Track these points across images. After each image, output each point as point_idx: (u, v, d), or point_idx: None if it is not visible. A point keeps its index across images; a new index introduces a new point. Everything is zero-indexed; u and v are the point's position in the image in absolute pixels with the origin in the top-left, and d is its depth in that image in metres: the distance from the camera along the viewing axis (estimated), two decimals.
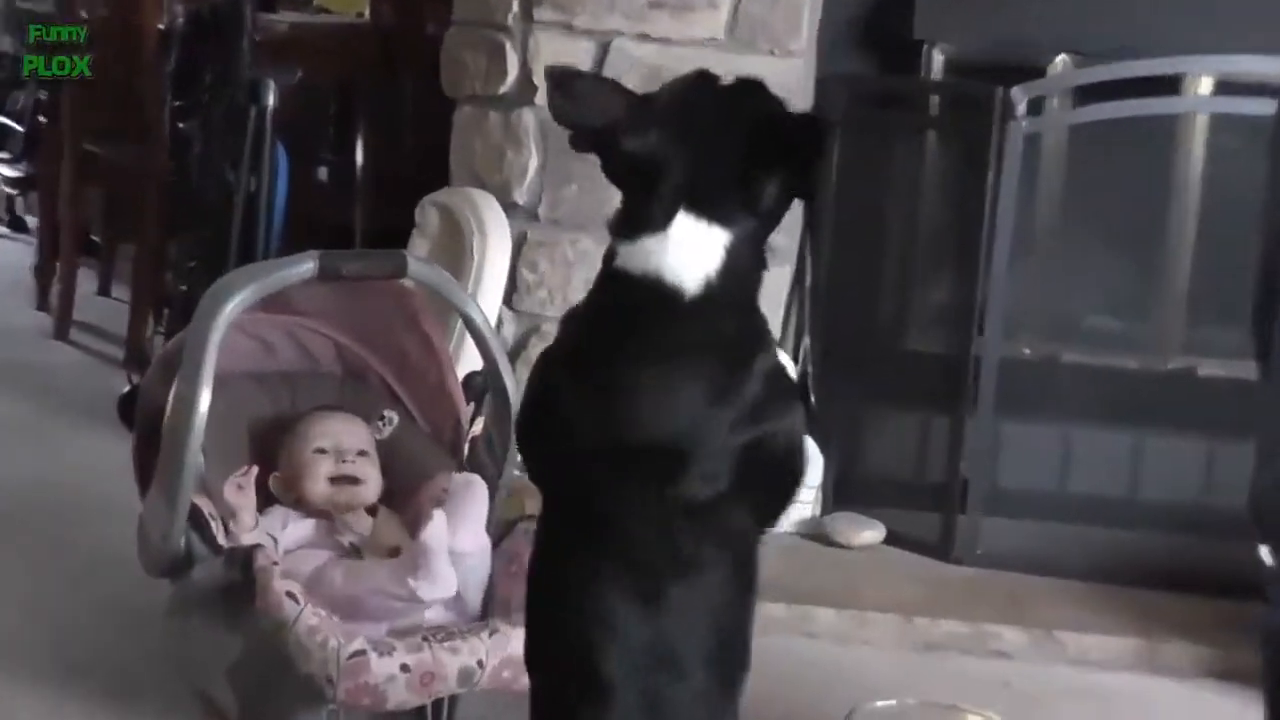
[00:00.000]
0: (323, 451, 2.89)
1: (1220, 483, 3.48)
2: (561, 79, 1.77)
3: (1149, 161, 3.66)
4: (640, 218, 1.68)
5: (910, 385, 3.76)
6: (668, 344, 1.67)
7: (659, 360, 1.68)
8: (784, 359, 1.82)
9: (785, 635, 3.22)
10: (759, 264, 1.73)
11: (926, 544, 3.57)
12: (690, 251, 1.65)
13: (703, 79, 1.79)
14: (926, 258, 3.82)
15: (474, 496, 2.73)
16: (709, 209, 1.65)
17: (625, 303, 1.69)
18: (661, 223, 1.65)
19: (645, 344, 1.68)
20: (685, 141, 1.68)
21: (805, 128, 1.73)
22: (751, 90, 1.76)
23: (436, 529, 2.55)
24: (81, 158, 5.20)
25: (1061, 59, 3.56)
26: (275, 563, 2.56)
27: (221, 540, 2.70)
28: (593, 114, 1.72)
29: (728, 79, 1.79)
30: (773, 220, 1.73)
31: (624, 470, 1.71)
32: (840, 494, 3.68)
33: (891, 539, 3.60)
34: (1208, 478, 3.54)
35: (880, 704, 1.27)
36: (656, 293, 1.65)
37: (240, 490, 2.79)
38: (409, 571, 2.55)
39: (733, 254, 1.66)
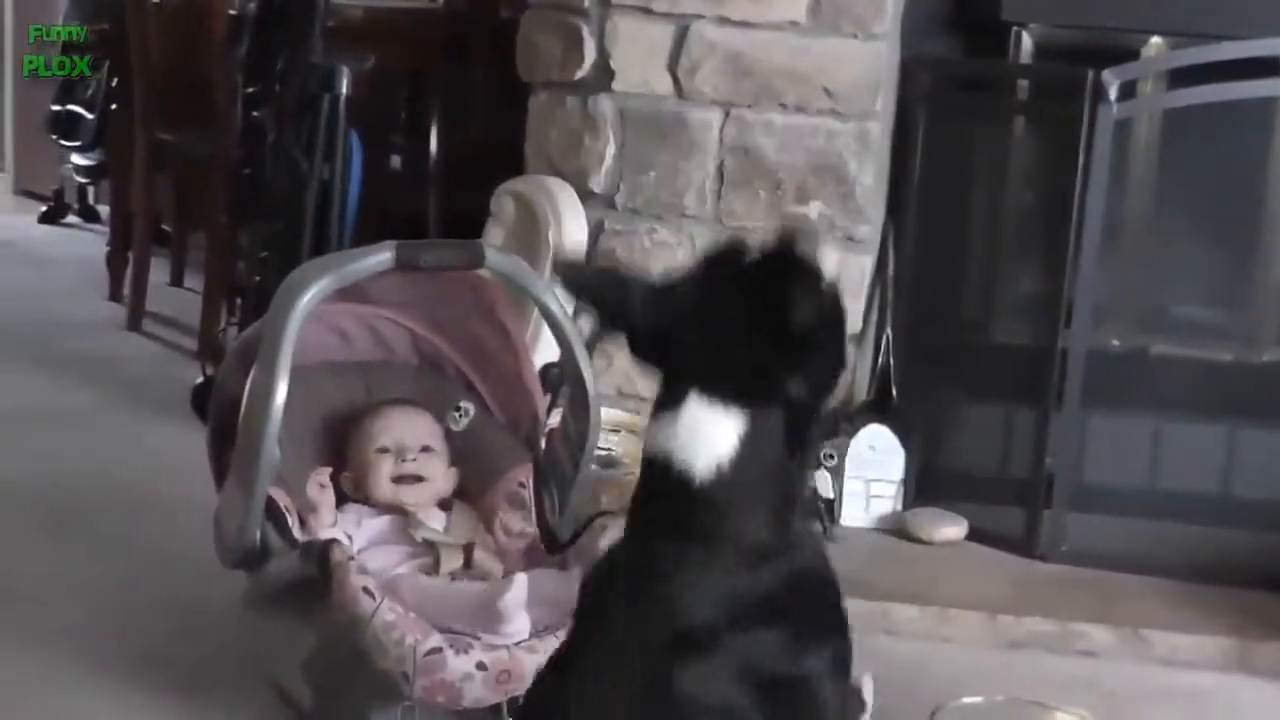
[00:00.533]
0: (385, 450, 2.91)
1: None
2: (568, 275, 1.75)
3: (1245, 147, 3.61)
4: (660, 398, 1.63)
5: (995, 377, 3.74)
6: (672, 530, 1.60)
7: (662, 544, 1.62)
8: (824, 577, 1.71)
9: (865, 632, 3.20)
10: (788, 454, 1.63)
11: (1010, 540, 3.55)
12: (700, 436, 1.58)
13: (728, 252, 1.73)
14: (1013, 247, 3.79)
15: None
16: (723, 392, 1.58)
17: (643, 484, 1.64)
18: (672, 404, 1.60)
19: (650, 528, 1.63)
20: (699, 322, 1.62)
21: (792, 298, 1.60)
22: (775, 266, 1.65)
23: (516, 595, 2.54)
24: (153, 146, 5.24)
25: (1155, 41, 3.52)
26: (351, 558, 2.57)
27: (297, 533, 2.73)
28: (609, 301, 1.68)
29: (757, 253, 1.70)
30: (806, 405, 1.64)
31: (620, 655, 1.66)
32: (922, 489, 3.66)
33: (974, 535, 3.58)
34: None
35: (967, 700, 1.24)
36: (666, 477, 1.59)
37: (322, 489, 2.82)
38: (481, 624, 2.55)
39: (751, 441, 1.58)
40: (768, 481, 1.61)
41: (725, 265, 1.72)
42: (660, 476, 1.59)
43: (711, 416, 1.58)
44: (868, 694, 1.68)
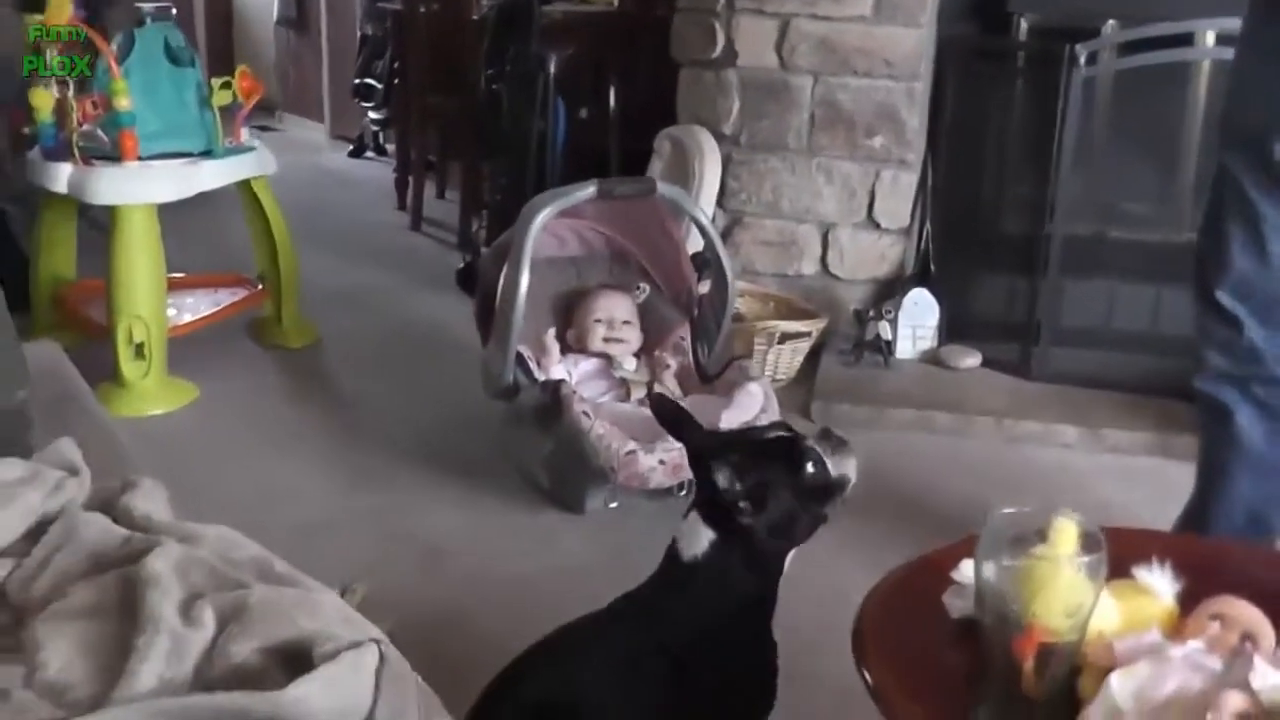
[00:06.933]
0: (599, 321, 2.94)
1: None
2: (656, 402, 1.70)
3: (1170, 94, 3.50)
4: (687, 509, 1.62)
5: (1001, 255, 3.69)
6: (666, 581, 1.61)
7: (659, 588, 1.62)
8: None
9: (914, 432, 3.23)
10: (744, 564, 1.58)
11: (1011, 366, 3.51)
12: (692, 536, 1.56)
13: (773, 428, 1.68)
14: (1014, 166, 3.71)
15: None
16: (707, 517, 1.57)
17: (665, 556, 1.62)
18: (688, 513, 1.61)
19: (658, 577, 1.62)
20: (709, 467, 1.57)
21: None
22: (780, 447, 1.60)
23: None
24: (423, 106, 5.25)
25: (1111, 23, 3.42)
26: (573, 391, 2.62)
27: (537, 375, 2.78)
28: (676, 428, 1.67)
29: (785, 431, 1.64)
30: (763, 540, 1.56)
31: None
32: (951, 331, 3.62)
33: (987, 363, 3.54)
34: None
35: (1010, 510, 1.12)
36: (674, 553, 1.59)
37: (552, 341, 2.87)
38: (657, 436, 2.51)
39: (718, 548, 1.55)
40: (725, 573, 1.56)
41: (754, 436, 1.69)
42: (671, 552, 1.59)
43: (700, 528, 1.56)
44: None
